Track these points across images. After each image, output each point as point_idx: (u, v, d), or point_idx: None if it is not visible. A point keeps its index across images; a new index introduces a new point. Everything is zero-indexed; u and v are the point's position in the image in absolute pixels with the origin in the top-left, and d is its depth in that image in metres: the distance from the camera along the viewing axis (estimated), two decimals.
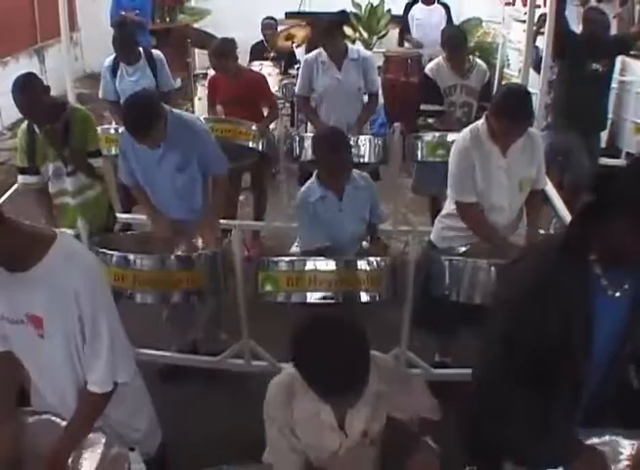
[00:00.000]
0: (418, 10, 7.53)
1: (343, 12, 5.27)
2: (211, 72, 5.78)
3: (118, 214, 4.95)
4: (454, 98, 4.86)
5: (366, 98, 4.99)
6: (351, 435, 2.09)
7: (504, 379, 1.92)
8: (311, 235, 3.40)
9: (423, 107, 4.97)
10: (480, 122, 3.39)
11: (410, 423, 2.16)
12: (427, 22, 7.40)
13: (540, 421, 1.85)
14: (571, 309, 1.78)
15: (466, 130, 3.46)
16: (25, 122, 3.68)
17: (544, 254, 1.93)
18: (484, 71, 4.93)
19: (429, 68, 4.99)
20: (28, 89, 3.44)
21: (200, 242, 3.61)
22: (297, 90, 5.11)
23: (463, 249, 3.49)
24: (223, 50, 4.87)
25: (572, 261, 1.80)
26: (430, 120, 4.94)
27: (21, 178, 3.78)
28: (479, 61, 5.01)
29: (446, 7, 7.51)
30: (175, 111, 3.62)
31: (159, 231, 3.64)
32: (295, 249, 4.71)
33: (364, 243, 3.63)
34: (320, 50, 4.83)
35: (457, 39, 4.88)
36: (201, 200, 3.68)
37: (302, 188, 3.48)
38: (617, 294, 1.83)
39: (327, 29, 4.74)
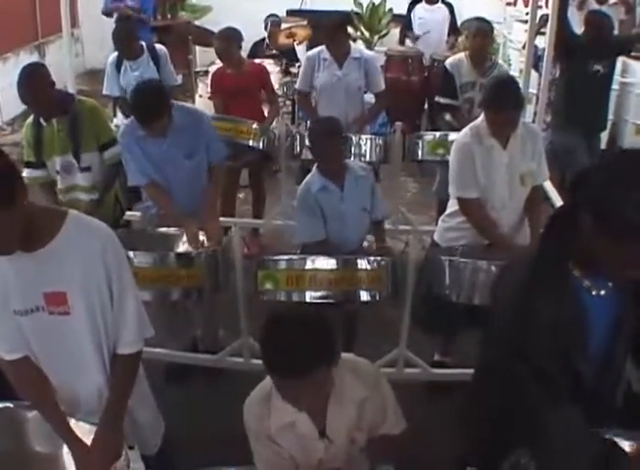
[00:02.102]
0: (421, 9, 7.50)
1: (347, 12, 5.29)
2: (212, 69, 5.78)
3: None
4: (471, 95, 4.85)
5: (371, 99, 5.01)
6: (337, 440, 2.06)
7: (503, 377, 1.92)
8: (309, 228, 3.41)
9: (437, 98, 5.01)
10: (480, 119, 3.42)
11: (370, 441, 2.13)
12: (430, 21, 7.39)
13: (540, 421, 1.84)
14: (561, 314, 1.77)
15: (466, 128, 3.49)
16: (32, 116, 3.67)
17: (525, 261, 1.92)
18: (505, 72, 4.93)
19: (449, 62, 5.01)
20: (36, 79, 3.43)
21: (202, 235, 3.56)
22: (297, 85, 5.16)
23: (461, 247, 3.50)
24: (229, 35, 4.88)
25: (551, 267, 1.79)
26: (447, 118, 4.96)
27: (26, 172, 3.75)
28: (500, 61, 5.00)
29: (450, 6, 7.48)
30: (177, 102, 3.66)
31: (190, 235, 3.53)
32: None
33: (367, 242, 3.62)
34: (323, 47, 4.84)
35: (484, 29, 4.90)
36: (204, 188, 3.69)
37: (304, 181, 3.50)
38: (602, 292, 1.82)
39: (331, 31, 4.75)
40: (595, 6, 6.74)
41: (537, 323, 1.77)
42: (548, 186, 4.56)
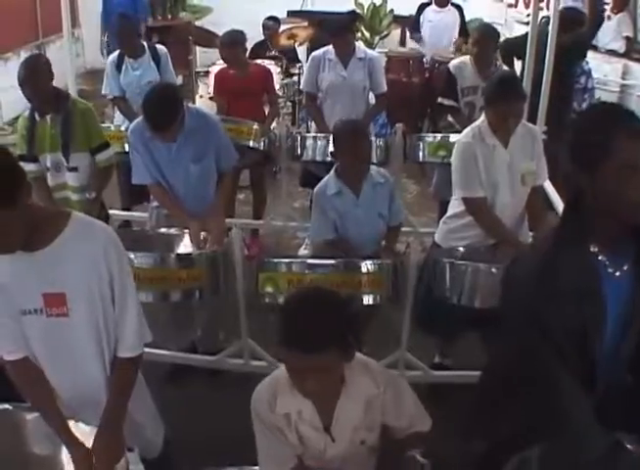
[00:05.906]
0: (431, 12, 7.44)
1: (354, 12, 5.28)
2: (213, 69, 5.77)
3: (119, 212, 4.96)
4: (472, 99, 4.78)
5: (373, 99, 4.99)
6: (339, 440, 2.05)
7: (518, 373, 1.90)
8: (319, 227, 3.42)
9: (440, 100, 4.97)
10: (480, 120, 3.44)
11: (402, 439, 2.13)
12: (440, 24, 7.34)
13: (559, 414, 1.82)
14: (582, 284, 1.78)
15: (467, 129, 3.51)
16: (28, 109, 3.65)
17: (543, 244, 1.94)
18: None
19: (453, 64, 4.95)
20: (36, 68, 3.44)
21: (204, 237, 3.54)
22: (302, 86, 5.17)
23: (462, 249, 3.50)
24: (234, 39, 4.88)
25: (571, 244, 1.81)
26: (449, 119, 4.93)
27: None
28: (505, 66, 4.96)
29: (459, 9, 7.45)
30: (191, 105, 3.63)
31: (193, 235, 3.54)
32: (303, 251, 4.71)
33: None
34: (328, 47, 4.83)
35: (488, 35, 4.84)
36: (212, 193, 3.69)
37: (321, 182, 3.49)
38: (618, 273, 1.82)
39: (338, 29, 4.75)
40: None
41: (559, 291, 1.77)
42: (549, 188, 4.56)
